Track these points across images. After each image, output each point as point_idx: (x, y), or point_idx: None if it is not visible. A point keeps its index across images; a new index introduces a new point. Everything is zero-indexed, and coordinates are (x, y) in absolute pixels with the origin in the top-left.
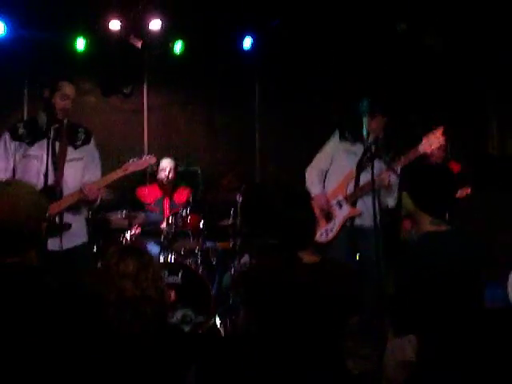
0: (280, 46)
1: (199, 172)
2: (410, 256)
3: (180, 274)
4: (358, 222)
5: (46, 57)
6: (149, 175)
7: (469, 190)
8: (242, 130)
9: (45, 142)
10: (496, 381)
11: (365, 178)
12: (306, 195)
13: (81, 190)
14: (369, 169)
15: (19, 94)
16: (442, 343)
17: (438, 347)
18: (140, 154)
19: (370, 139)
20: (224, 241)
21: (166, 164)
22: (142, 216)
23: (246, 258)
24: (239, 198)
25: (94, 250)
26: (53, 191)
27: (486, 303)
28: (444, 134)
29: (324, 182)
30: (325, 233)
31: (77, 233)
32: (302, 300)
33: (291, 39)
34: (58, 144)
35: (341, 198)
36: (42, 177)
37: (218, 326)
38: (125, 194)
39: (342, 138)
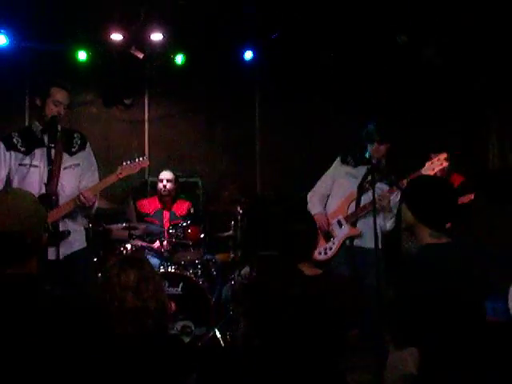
0: (280, 58)
1: (200, 183)
2: (409, 268)
3: (180, 286)
4: (357, 242)
5: (47, 68)
6: (149, 189)
7: (472, 196)
8: (242, 141)
9: (40, 150)
10: None
11: (365, 199)
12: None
13: (78, 197)
14: (369, 191)
15: (20, 105)
16: (442, 356)
17: (438, 360)
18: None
19: (373, 161)
20: (224, 252)
21: (165, 175)
22: (142, 227)
23: (246, 270)
24: (240, 210)
25: (95, 259)
26: (49, 199)
27: (487, 316)
28: (448, 159)
29: (325, 205)
30: (323, 251)
31: (75, 240)
32: (303, 312)
33: (291, 51)
34: (53, 152)
35: (341, 217)
36: (38, 186)
37: (218, 337)
38: (125, 205)
39: (344, 161)
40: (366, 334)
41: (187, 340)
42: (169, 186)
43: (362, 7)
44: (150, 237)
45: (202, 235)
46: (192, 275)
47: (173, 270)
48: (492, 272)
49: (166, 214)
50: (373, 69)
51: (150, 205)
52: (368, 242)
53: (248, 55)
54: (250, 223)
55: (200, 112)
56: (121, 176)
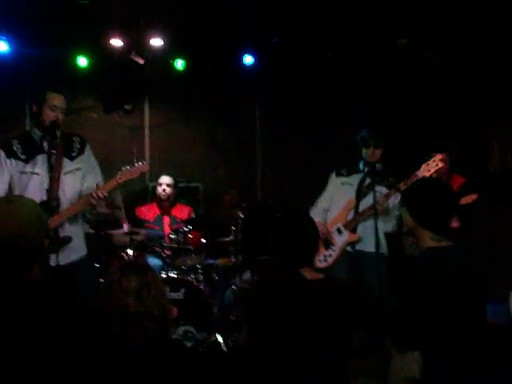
0: (280, 62)
1: (200, 188)
2: (411, 272)
3: (182, 290)
4: (358, 246)
5: (48, 74)
6: (150, 194)
7: (474, 197)
8: (242, 146)
9: (41, 157)
10: None
11: (364, 204)
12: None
13: (91, 196)
14: (368, 195)
15: (21, 111)
16: (445, 359)
17: (441, 363)
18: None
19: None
20: (225, 257)
21: (164, 180)
22: (143, 232)
23: (247, 275)
24: (241, 215)
25: (97, 265)
26: (50, 205)
27: (488, 319)
28: (443, 160)
29: (326, 219)
30: (323, 259)
31: (75, 247)
32: (305, 316)
33: (291, 56)
34: (53, 157)
35: (340, 225)
36: (40, 193)
37: (220, 342)
38: (126, 212)
39: (338, 174)
40: (367, 338)
41: (189, 345)
42: (168, 190)
43: (361, 11)
44: (152, 242)
45: (203, 240)
46: (193, 280)
47: (174, 275)
48: (492, 275)
49: (166, 219)
50: (373, 72)
51: (149, 211)
52: (368, 246)
53: (248, 60)
54: (251, 228)
55: (200, 117)
56: (120, 181)
